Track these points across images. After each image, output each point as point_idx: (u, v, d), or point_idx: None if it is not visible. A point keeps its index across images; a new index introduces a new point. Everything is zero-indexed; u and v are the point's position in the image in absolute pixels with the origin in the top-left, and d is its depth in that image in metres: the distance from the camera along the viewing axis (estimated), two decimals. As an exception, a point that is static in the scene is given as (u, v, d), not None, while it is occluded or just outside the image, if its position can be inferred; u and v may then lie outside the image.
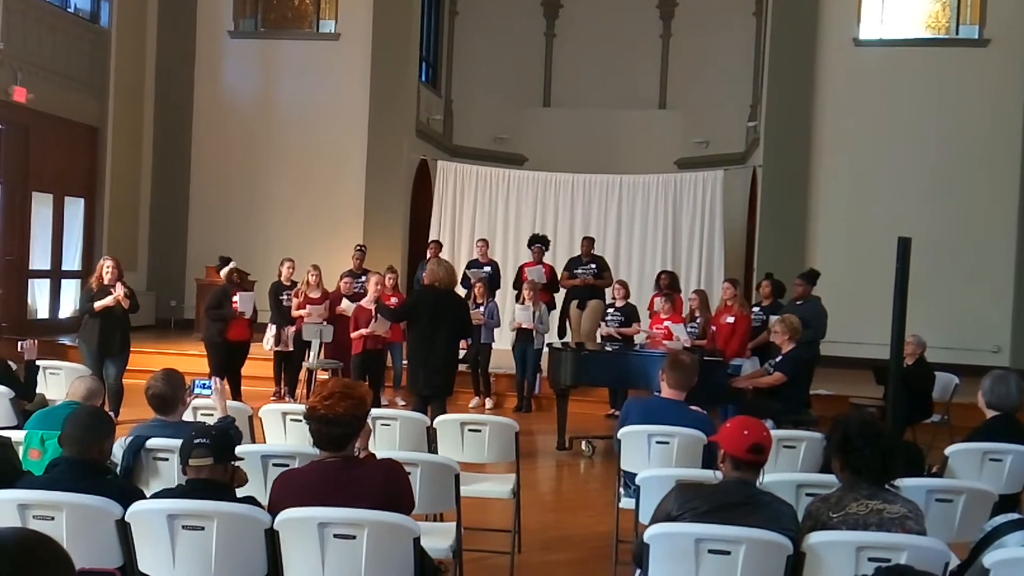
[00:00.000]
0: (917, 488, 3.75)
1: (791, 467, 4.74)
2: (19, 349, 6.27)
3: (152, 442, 3.95)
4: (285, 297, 9.64)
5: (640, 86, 16.84)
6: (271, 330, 9.59)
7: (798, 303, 8.84)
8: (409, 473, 3.37)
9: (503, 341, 10.21)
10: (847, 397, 8.94)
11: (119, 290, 7.88)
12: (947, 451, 4.67)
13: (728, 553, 2.94)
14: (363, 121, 13.69)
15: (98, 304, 7.83)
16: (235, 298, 8.80)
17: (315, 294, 9.50)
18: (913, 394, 7.23)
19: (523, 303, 9.70)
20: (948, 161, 12.58)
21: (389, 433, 5.00)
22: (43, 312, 12.50)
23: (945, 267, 11.96)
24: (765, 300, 9.31)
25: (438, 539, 3.92)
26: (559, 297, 10.71)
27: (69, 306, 12.72)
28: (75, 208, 12.95)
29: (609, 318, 9.60)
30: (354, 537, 2.98)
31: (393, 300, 9.16)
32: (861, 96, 12.84)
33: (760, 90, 14.02)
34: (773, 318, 8.30)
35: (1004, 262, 12.43)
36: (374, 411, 4.56)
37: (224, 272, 9.14)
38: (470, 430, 5.05)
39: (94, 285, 7.93)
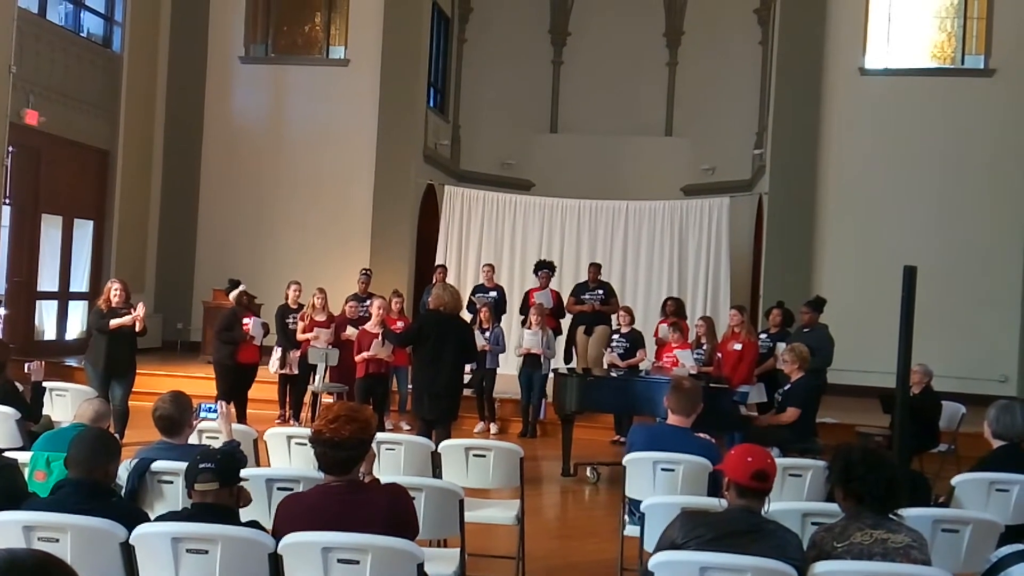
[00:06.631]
0: (923, 518, 3.73)
1: (797, 496, 4.72)
2: (26, 370, 6.28)
3: (157, 465, 3.96)
4: (291, 320, 9.66)
5: (646, 113, 16.93)
6: (276, 353, 9.61)
7: (805, 331, 8.84)
8: (413, 498, 3.37)
9: (508, 366, 10.19)
10: (853, 425, 8.90)
11: (140, 310, 7.91)
12: (953, 481, 4.65)
13: (733, 582, 2.93)
14: (371, 146, 13.78)
15: (115, 322, 7.84)
16: (247, 321, 8.82)
17: (321, 317, 9.51)
18: (920, 423, 7.19)
19: (531, 328, 9.71)
20: (954, 190, 12.60)
21: (393, 458, 5.00)
22: (50, 334, 12.54)
23: (952, 296, 11.95)
24: (774, 328, 9.29)
25: (442, 565, 3.90)
26: (566, 323, 10.72)
27: (76, 328, 12.76)
28: (84, 230, 13.03)
29: (614, 344, 9.58)
30: (358, 562, 2.97)
31: (399, 324, 9.18)
32: (867, 125, 12.89)
33: (766, 118, 14.08)
34: (780, 346, 8.28)
35: (1011, 291, 12.41)
36: (379, 435, 4.57)
37: (233, 295, 9.16)
38: (475, 455, 5.04)
39: (103, 307, 7.96)
